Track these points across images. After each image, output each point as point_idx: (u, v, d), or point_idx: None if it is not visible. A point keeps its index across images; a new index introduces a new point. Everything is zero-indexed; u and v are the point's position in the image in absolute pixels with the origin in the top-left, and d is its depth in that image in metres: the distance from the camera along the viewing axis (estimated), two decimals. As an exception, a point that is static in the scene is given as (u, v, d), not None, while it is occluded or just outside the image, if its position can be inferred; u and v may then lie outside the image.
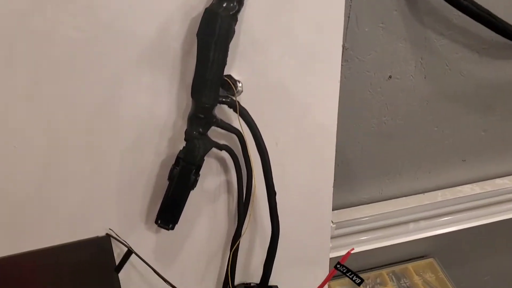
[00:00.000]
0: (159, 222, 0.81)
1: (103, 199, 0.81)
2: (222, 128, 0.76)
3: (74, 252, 0.84)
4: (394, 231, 1.37)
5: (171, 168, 0.77)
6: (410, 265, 1.56)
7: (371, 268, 1.55)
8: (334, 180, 0.98)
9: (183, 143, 0.75)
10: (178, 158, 0.76)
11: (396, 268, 1.56)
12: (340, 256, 1.35)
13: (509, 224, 1.52)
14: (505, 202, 1.45)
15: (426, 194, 1.35)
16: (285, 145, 0.89)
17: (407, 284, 1.53)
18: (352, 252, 0.72)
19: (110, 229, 0.84)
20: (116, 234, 0.84)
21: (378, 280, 1.54)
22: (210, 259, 0.96)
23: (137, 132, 0.77)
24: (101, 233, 0.84)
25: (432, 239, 1.53)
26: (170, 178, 0.77)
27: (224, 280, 0.98)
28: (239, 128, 0.77)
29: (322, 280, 0.81)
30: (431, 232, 1.41)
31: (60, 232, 0.82)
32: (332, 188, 0.97)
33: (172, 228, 0.82)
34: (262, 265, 0.94)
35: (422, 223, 1.39)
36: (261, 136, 0.78)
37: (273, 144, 0.87)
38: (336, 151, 0.94)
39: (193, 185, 0.77)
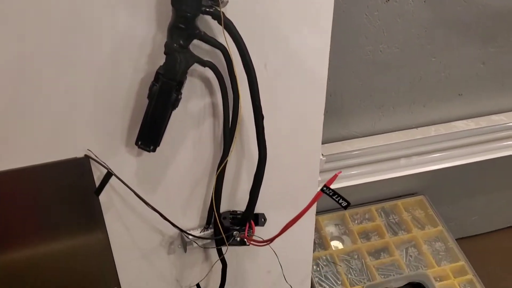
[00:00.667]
0: (139, 143, 0.78)
1: (80, 118, 0.77)
2: (205, 42, 0.71)
3: (52, 173, 0.81)
4: (385, 166, 1.35)
5: (150, 85, 0.72)
6: (399, 202, 1.56)
7: (361, 204, 1.55)
8: (326, 112, 0.94)
9: (164, 59, 0.70)
10: (157, 74, 0.71)
11: (386, 204, 1.56)
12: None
13: (502, 162, 1.50)
14: (499, 140, 1.42)
15: (419, 128, 1.32)
16: (274, 67, 0.84)
17: (395, 220, 1.53)
18: (339, 175, 0.69)
19: (88, 150, 0.80)
20: (95, 156, 0.80)
21: (366, 216, 1.53)
22: (195, 185, 0.93)
23: (114, 45, 0.72)
24: (80, 155, 0.81)
25: (423, 175, 1.52)
26: (150, 96, 0.73)
27: (209, 206, 0.95)
28: (224, 43, 0.72)
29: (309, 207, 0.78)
30: (423, 168, 1.39)
31: (36, 152, 0.78)
32: (323, 116, 0.93)
33: (153, 150, 0.78)
34: (249, 193, 0.92)
35: (414, 159, 1.37)
36: (248, 52, 0.73)
37: (262, 66, 0.82)
38: (328, 80, 0.90)
39: (174, 104, 0.73)
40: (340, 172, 0.71)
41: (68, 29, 0.69)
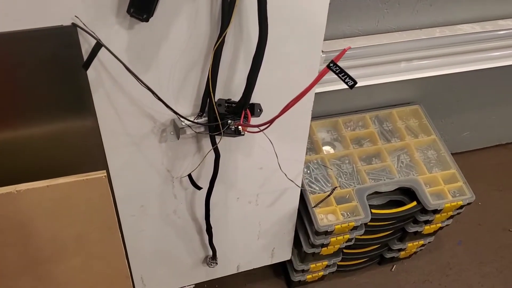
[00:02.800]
0: (131, 11, 0.72)
1: (66, -22, 0.70)
2: None
3: (35, 41, 0.75)
4: (385, 69, 1.30)
5: None
6: (394, 110, 1.53)
7: (355, 111, 1.52)
8: (330, 3, 0.88)
9: None
10: None
11: (380, 112, 1.53)
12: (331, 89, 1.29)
13: (499, 73, 1.47)
14: (502, 48, 1.38)
15: (423, 30, 1.26)
16: None
17: (389, 127, 1.50)
18: (348, 50, 0.64)
19: (76, 16, 0.73)
20: (84, 24, 0.74)
21: (360, 123, 1.51)
22: (190, 68, 0.88)
23: None
24: (66, 23, 0.74)
25: (420, 84, 1.49)
26: (144, -47, 0.66)
27: (204, 93, 0.91)
28: None
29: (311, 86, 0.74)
30: (423, 74, 1.34)
31: (17, 17, 0.72)
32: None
33: (146, 20, 0.73)
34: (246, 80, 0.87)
35: (415, 63, 1.32)
36: None
37: None
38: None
39: (171, -36, 0.66)
40: (349, 47, 0.66)
41: None
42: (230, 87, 0.94)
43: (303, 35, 0.92)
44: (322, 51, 1.17)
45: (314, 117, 1.49)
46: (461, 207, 1.35)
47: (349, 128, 1.50)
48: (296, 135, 1.12)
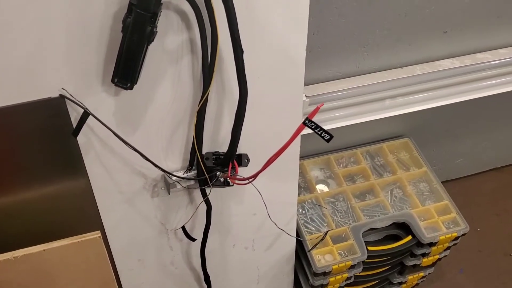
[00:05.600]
0: (115, 80, 0.75)
1: (52, 55, 0.74)
2: (179, -31, 0.68)
3: (25, 114, 0.79)
4: (370, 108, 1.34)
5: (123, 18, 0.69)
6: (384, 145, 1.56)
7: (346, 148, 1.55)
8: (309, 51, 0.92)
9: (136, -11, 0.67)
10: (130, 5, 0.68)
11: (371, 147, 1.55)
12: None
13: (485, 102, 1.50)
14: (484, 79, 1.41)
15: (404, 68, 1.30)
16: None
17: (380, 162, 1.53)
18: (321, 107, 0.67)
19: (63, 89, 0.77)
20: (71, 95, 0.78)
21: (352, 159, 1.53)
22: (176, 126, 0.91)
23: (83, -25, 0.68)
24: (54, 94, 0.78)
25: (408, 118, 1.51)
26: (124, 29, 0.70)
27: (191, 147, 0.94)
28: (199, -29, 0.69)
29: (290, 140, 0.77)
30: (408, 109, 1.38)
31: (7, 92, 0.76)
32: (305, 51, 0.91)
33: (131, 88, 0.76)
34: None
35: (399, 100, 1.36)
36: (224, -19, 0.70)
37: None
38: (311, 17, 0.87)
39: (149, 37, 0.70)
40: (322, 104, 0.69)
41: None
42: (216, 139, 0.97)
43: (283, 85, 0.95)
44: (306, 96, 1.20)
45: (306, 156, 1.51)
46: (457, 238, 1.37)
47: (341, 165, 1.52)
48: (286, 179, 1.14)
